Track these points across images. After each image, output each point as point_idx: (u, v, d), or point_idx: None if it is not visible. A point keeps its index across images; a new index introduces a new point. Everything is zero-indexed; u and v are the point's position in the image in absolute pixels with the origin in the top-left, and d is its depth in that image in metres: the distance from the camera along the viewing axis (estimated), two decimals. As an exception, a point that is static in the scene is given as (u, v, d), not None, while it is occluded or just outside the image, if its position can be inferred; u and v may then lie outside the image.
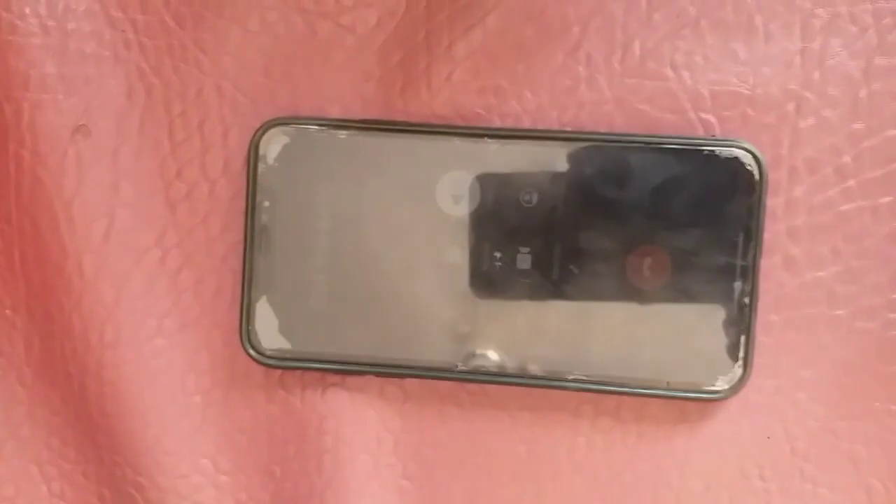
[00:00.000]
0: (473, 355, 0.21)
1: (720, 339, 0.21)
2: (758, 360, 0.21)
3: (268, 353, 0.21)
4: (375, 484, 0.22)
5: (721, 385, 0.21)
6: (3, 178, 0.22)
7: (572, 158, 0.21)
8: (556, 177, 0.21)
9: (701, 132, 0.21)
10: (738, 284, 0.21)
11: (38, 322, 0.23)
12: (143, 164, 0.22)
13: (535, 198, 0.21)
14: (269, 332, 0.21)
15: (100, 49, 0.22)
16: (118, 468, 0.22)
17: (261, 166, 0.21)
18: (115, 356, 0.22)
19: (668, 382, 0.21)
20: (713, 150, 0.20)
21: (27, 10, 0.22)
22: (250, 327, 0.21)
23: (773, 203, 0.21)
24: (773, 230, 0.21)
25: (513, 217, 0.21)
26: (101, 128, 0.22)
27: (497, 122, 0.21)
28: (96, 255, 0.22)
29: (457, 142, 0.21)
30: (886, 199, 0.21)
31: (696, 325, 0.21)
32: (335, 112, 0.22)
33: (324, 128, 0.21)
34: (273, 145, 0.21)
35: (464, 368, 0.21)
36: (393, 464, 0.22)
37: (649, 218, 0.21)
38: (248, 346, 0.21)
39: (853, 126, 0.21)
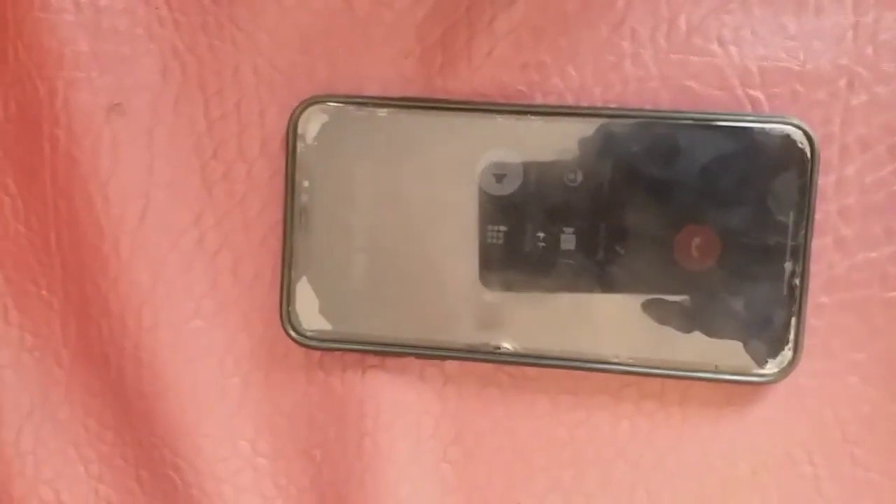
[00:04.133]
0: (515, 337, 0.21)
1: (770, 322, 0.20)
2: (808, 342, 0.20)
3: (308, 333, 0.21)
4: (415, 467, 0.22)
5: (771, 368, 0.20)
6: (38, 158, 0.22)
7: (617, 136, 0.20)
8: (600, 155, 0.20)
9: (749, 109, 0.20)
10: (788, 265, 0.20)
11: (74, 303, 0.22)
12: (178, 144, 0.22)
13: (579, 177, 0.20)
14: (310, 312, 0.21)
15: (133, 26, 0.22)
16: (156, 450, 0.22)
17: (300, 145, 0.21)
18: (152, 339, 0.22)
19: (716, 366, 0.20)
20: (763, 128, 0.20)
21: (59, -13, 0.21)
22: (290, 308, 0.21)
23: (824, 182, 0.20)
24: (824, 210, 0.20)
25: (556, 196, 0.20)
26: (136, 107, 0.22)
27: (540, 100, 0.21)
28: (133, 237, 0.22)
29: (499, 119, 0.21)
30: (942, 178, 0.20)
31: (745, 306, 0.20)
32: (374, 90, 0.21)
33: (363, 106, 0.21)
34: (312, 124, 0.21)
35: (505, 350, 0.21)
36: (433, 447, 0.22)
37: (697, 197, 0.20)
38: (288, 326, 0.21)
39: (908, 102, 0.20)
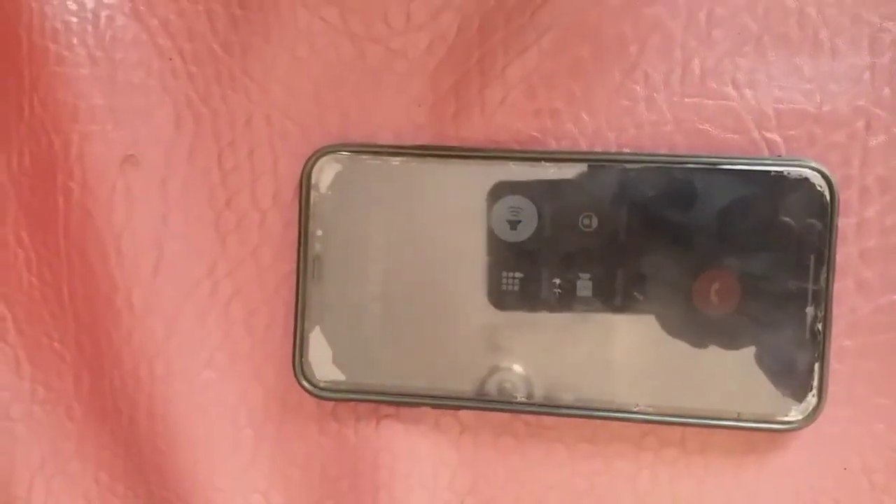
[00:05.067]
0: (532, 385, 0.21)
1: (793, 367, 0.20)
2: (832, 388, 0.20)
3: (322, 384, 0.21)
4: (432, 520, 0.21)
5: (795, 416, 0.20)
6: (51, 210, 0.22)
7: (632, 181, 0.20)
8: (615, 200, 0.20)
9: (766, 152, 0.20)
10: (810, 310, 0.20)
11: (87, 356, 0.22)
12: (192, 195, 0.22)
13: (594, 222, 0.20)
14: (323, 363, 0.21)
15: (148, 79, 0.22)
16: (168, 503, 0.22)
17: (313, 195, 0.21)
18: (165, 390, 0.22)
19: (738, 413, 0.20)
20: (781, 171, 0.20)
21: (75, 41, 0.21)
22: (304, 358, 0.21)
23: (844, 224, 0.20)
24: (845, 252, 0.20)
25: (572, 242, 0.20)
26: (150, 158, 0.22)
27: (553, 145, 0.21)
28: (146, 288, 0.22)
29: (512, 166, 0.20)
30: (964, 219, 0.20)
31: (767, 352, 0.20)
32: (387, 139, 0.21)
33: (376, 155, 0.21)
34: (325, 173, 0.21)
35: (522, 399, 0.21)
36: (449, 499, 0.21)
37: (715, 241, 0.20)
38: (301, 377, 0.21)
39: (926, 143, 0.20)
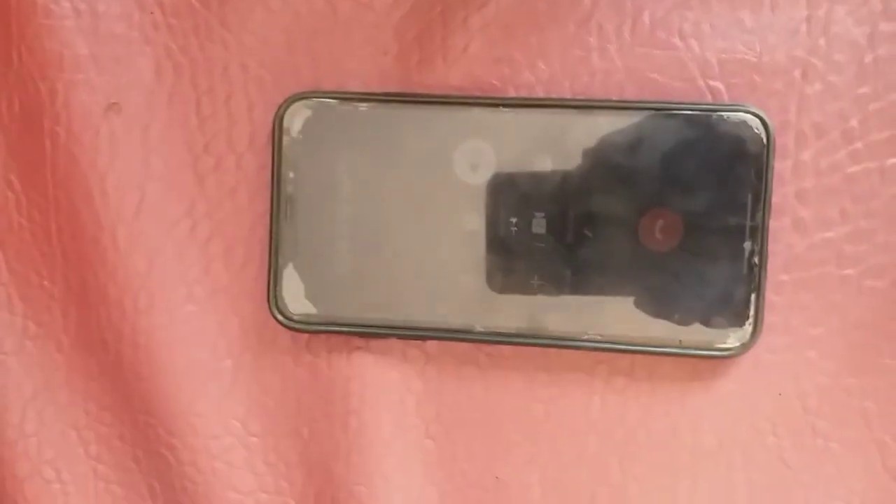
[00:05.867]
0: (489, 317, 0.22)
1: (731, 298, 0.21)
2: (769, 318, 0.22)
3: (295, 317, 0.22)
4: (399, 443, 0.23)
5: (732, 343, 0.21)
6: (39, 154, 0.23)
7: (584, 126, 0.21)
8: (569, 144, 0.22)
9: (710, 99, 0.22)
10: (747, 245, 0.21)
11: (74, 292, 0.24)
12: (172, 140, 0.23)
13: (549, 164, 0.22)
14: (296, 297, 0.22)
15: (129, 30, 0.23)
16: (152, 430, 0.23)
17: (285, 139, 0.22)
18: (148, 323, 0.23)
19: (680, 340, 0.21)
20: (722, 115, 0.21)
21: (60, -6, 0.23)
22: (278, 293, 0.22)
23: (782, 167, 0.22)
24: (782, 193, 0.22)
25: (528, 183, 0.22)
26: (132, 105, 0.23)
27: (512, 92, 0.22)
28: (129, 227, 0.23)
29: (473, 112, 0.22)
30: (894, 160, 0.21)
31: (707, 284, 0.21)
32: (355, 86, 0.22)
33: (344, 101, 0.22)
34: (297, 119, 0.22)
35: (481, 330, 0.22)
36: (415, 424, 0.23)
37: (660, 182, 0.21)
38: (275, 311, 0.22)
39: (859, 90, 0.21)
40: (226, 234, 0.23)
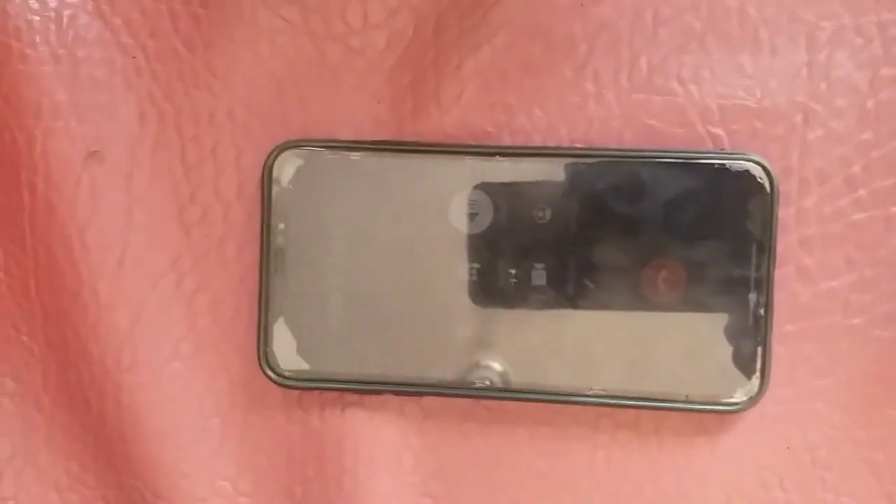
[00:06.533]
0: (491, 372, 0.21)
1: (737, 351, 0.21)
2: (775, 370, 0.21)
3: (286, 374, 0.22)
4: (396, 503, 0.22)
5: (739, 397, 0.21)
6: (17, 206, 0.22)
7: (583, 174, 0.21)
8: (567, 192, 0.21)
9: (710, 146, 0.21)
10: (752, 296, 0.21)
11: (54, 348, 0.23)
12: (156, 189, 0.22)
13: (547, 214, 0.21)
14: (287, 353, 0.21)
15: (111, 76, 0.22)
16: (137, 492, 0.22)
17: (275, 189, 0.21)
18: (132, 381, 0.22)
19: (686, 395, 0.21)
20: (723, 164, 0.21)
21: (37, 39, 0.22)
22: (268, 349, 0.21)
23: (785, 214, 0.21)
24: (786, 241, 0.21)
25: (526, 233, 0.21)
26: (114, 154, 0.22)
27: (507, 140, 0.22)
28: (111, 281, 0.22)
29: (468, 160, 0.21)
30: (897, 208, 0.21)
31: (713, 337, 0.21)
32: (347, 134, 0.22)
33: (336, 150, 0.21)
34: (287, 168, 0.21)
35: (481, 385, 0.21)
36: (414, 482, 0.22)
37: (662, 232, 0.21)
38: (266, 367, 0.22)
39: (861, 136, 0.21)
40: (213, 288, 0.22)
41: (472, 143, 0.21)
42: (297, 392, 0.22)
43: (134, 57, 0.22)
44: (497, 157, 0.21)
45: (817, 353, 0.21)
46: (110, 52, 0.22)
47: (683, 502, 0.22)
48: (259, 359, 0.22)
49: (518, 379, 0.21)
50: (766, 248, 0.20)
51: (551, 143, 0.21)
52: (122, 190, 0.22)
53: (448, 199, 0.21)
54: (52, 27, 0.22)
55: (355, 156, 0.21)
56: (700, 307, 0.21)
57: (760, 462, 0.21)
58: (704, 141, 0.21)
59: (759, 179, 0.21)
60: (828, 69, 0.21)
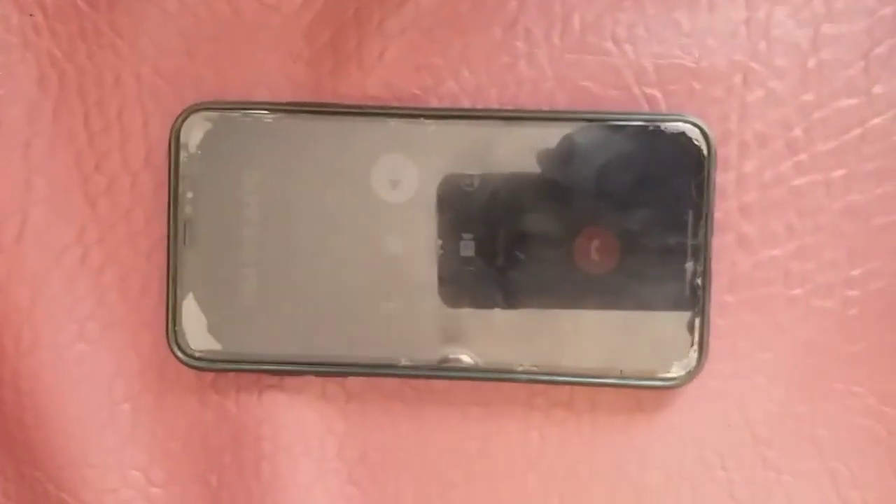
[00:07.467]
0: (416, 349, 0.20)
1: (673, 323, 0.20)
2: (713, 343, 0.20)
3: (197, 354, 0.20)
4: (319, 490, 0.21)
5: (676, 371, 0.20)
6: None
7: (513, 139, 0.20)
8: (497, 158, 0.20)
9: (646, 108, 0.20)
10: (689, 265, 0.20)
11: (-53, 330, 0.21)
12: (57, 158, 0.21)
13: (476, 181, 0.20)
14: (197, 331, 0.20)
15: (7, 34, 0.20)
16: (39, 485, 0.21)
17: (182, 155, 0.20)
18: (33, 364, 0.21)
19: (621, 371, 0.20)
20: (659, 126, 0.20)
21: (-75, -5, 0.20)
22: (177, 327, 0.20)
23: (724, 179, 0.20)
24: (725, 208, 0.20)
25: (453, 202, 0.20)
26: (11, 119, 0.21)
27: (434, 103, 0.20)
28: (8, 256, 0.20)
29: (392, 123, 0.20)
30: (839, 173, 0.20)
31: (648, 308, 0.20)
32: (263, 95, 0.20)
33: (248, 112, 0.20)
34: (195, 132, 0.20)
35: (407, 364, 0.20)
36: (338, 468, 0.21)
37: (595, 199, 0.20)
38: (175, 347, 0.20)
39: (803, 97, 0.20)
40: (121, 262, 0.21)
41: (396, 104, 0.20)
42: (212, 374, 0.21)
43: (31, 14, 0.20)
44: (422, 120, 0.20)
45: (758, 325, 0.20)
46: (5, 9, 0.20)
47: (621, 482, 0.21)
48: (167, 338, 0.20)
49: (444, 356, 0.20)
50: (702, 214, 0.19)
51: (480, 106, 0.20)
52: (20, 158, 0.21)
53: (370, 166, 0.20)
54: (-63, -20, 0.20)
55: (269, 118, 0.20)
56: (635, 277, 0.20)
57: (700, 440, 0.20)
58: (640, 103, 0.20)
59: (695, 142, 0.19)
60: (767, 27, 0.20)
